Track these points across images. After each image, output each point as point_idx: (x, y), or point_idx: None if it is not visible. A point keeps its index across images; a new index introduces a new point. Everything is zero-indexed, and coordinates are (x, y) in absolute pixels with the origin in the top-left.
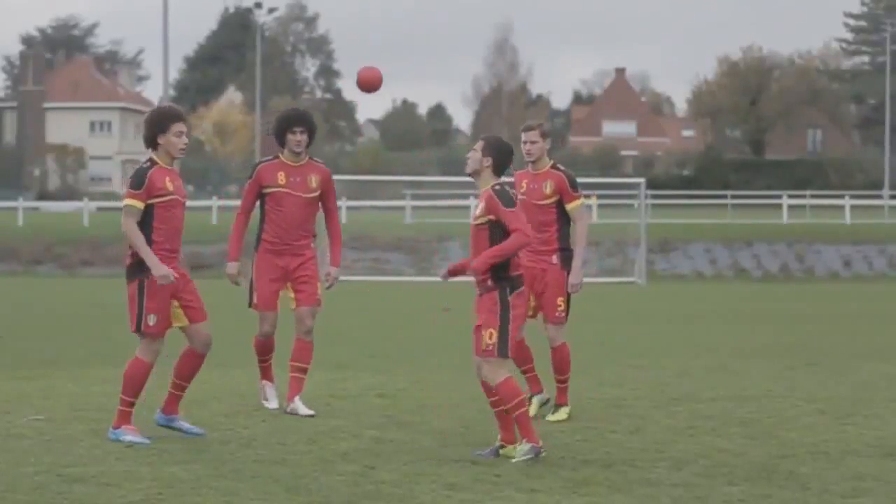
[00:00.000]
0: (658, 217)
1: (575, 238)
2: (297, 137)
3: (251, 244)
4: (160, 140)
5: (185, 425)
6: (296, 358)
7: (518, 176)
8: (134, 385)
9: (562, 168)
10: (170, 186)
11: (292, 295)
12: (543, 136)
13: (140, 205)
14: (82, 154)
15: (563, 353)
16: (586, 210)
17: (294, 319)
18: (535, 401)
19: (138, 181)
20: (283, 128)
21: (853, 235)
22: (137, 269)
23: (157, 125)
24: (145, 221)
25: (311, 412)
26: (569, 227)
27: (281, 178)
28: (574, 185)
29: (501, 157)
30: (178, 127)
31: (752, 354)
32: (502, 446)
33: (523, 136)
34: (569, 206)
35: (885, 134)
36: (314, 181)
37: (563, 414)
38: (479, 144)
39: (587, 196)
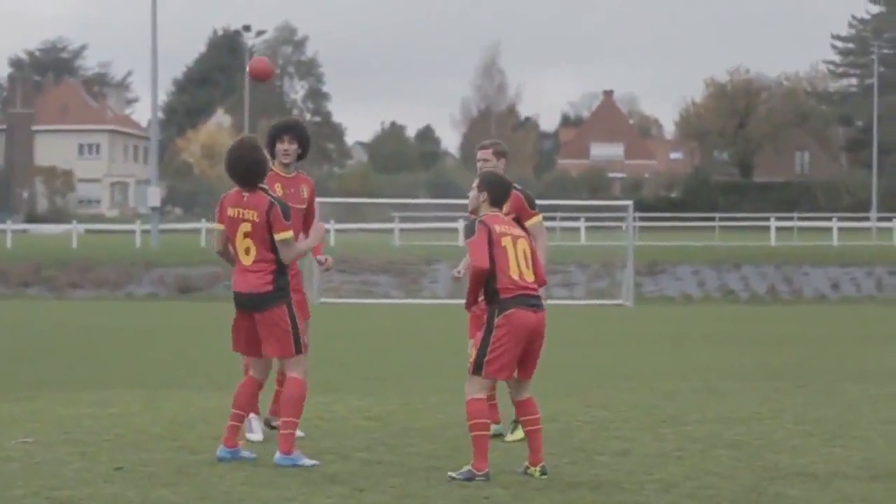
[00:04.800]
0: (646, 239)
1: None
2: (284, 146)
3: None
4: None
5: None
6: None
7: None
8: (301, 405)
9: (518, 188)
10: (279, 191)
11: None
12: (497, 155)
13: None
14: (71, 177)
15: None
16: (545, 228)
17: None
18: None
19: (286, 212)
20: (272, 136)
21: (841, 257)
22: (283, 291)
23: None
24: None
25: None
26: None
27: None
28: (531, 204)
29: (496, 191)
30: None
31: (740, 376)
32: (528, 467)
33: (478, 154)
34: (528, 224)
35: (873, 156)
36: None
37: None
38: (476, 182)
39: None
